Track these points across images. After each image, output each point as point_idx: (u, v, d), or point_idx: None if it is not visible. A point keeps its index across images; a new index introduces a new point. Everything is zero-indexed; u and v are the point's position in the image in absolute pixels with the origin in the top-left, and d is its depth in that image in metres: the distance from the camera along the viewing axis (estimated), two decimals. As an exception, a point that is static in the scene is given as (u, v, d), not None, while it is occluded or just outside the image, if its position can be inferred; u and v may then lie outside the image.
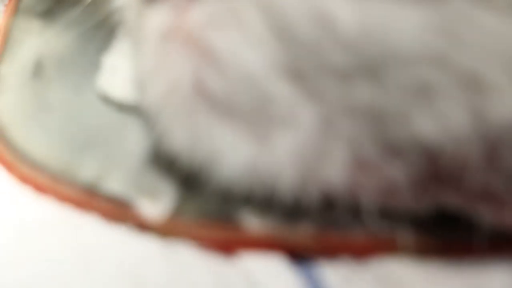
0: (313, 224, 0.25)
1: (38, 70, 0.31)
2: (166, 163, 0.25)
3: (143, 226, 0.26)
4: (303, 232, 0.25)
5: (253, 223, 0.25)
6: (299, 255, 0.25)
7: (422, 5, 0.22)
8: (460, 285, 0.24)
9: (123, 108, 0.29)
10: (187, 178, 0.25)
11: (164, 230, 0.26)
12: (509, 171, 0.22)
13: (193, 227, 0.25)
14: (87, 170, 0.27)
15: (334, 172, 0.23)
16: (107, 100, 0.30)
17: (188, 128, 0.24)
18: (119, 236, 0.26)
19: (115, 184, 0.27)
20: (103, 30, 0.31)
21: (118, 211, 0.26)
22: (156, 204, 0.26)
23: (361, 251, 0.25)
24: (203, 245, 0.25)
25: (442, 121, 0.22)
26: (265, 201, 0.24)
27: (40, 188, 0.27)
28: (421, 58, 0.22)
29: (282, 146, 0.23)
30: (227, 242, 0.25)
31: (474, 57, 0.22)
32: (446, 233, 0.24)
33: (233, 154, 0.24)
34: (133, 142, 0.27)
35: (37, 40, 0.32)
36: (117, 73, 0.30)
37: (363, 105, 0.22)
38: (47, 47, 0.32)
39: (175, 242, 0.25)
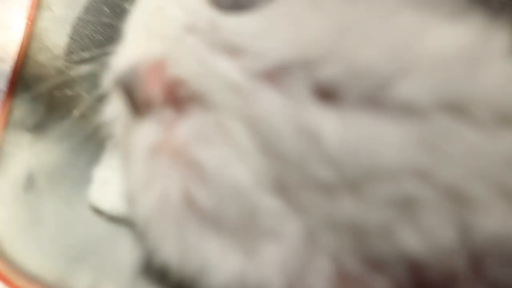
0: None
1: (30, 183, 0.32)
2: (157, 274, 0.26)
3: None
4: None
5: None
6: None
7: (404, 121, 0.23)
8: None
9: (113, 219, 0.30)
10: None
11: None
12: (496, 281, 0.23)
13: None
14: (80, 282, 0.28)
15: (318, 284, 0.23)
16: (98, 212, 0.30)
17: (178, 241, 0.25)
18: None
19: (108, 294, 0.27)
20: (92, 144, 0.32)
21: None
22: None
23: None
24: None
25: (427, 235, 0.23)
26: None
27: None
28: (404, 173, 0.23)
29: (268, 259, 0.24)
30: None
31: (458, 172, 0.23)
32: None
33: (221, 266, 0.24)
34: (125, 253, 0.28)
35: (28, 154, 0.33)
36: (107, 186, 0.31)
37: (346, 219, 0.23)
38: (38, 161, 0.32)
39: None
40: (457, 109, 0.24)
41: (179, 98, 0.26)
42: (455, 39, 0.25)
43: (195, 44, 0.26)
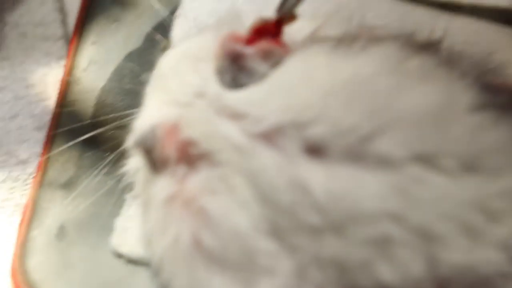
0: None
1: (61, 233, 0.37)
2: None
3: None
4: None
5: None
6: None
7: (381, 172, 0.27)
8: None
9: (132, 261, 0.34)
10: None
11: None
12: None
13: None
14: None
15: (308, 312, 0.27)
16: (119, 256, 0.35)
17: (188, 277, 0.29)
18: None
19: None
20: (114, 197, 0.36)
21: None
22: None
23: None
24: None
25: (401, 268, 0.26)
26: None
27: None
28: (381, 216, 0.27)
29: (264, 292, 0.28)
30: None
31: (427, 214, 0.26)
32: None
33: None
34: (142, 289, 0.32)
35: (60, 208, 0.38)
36: (127, 232, 0.36)
37: (331, 256, 0.27)
38: (68, 213, 0.37)
39: None
40: (427, 160, 0.27)
41: (190, 156, 0.30)
42: (426, 98, 0.28)
43: (204, 108, 0.31)
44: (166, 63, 0.34)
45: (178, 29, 0.42)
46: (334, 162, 0.27)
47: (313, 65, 0.30)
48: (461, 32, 0.38)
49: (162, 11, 0.43)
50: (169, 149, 0.30)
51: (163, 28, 0.43)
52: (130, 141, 0.33)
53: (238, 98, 0.30)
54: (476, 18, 0.41)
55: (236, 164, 0.29)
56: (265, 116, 0.29)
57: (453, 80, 0.29)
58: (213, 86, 0.31)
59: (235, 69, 0.32)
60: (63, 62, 0.45)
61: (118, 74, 0.41)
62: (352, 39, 0.31)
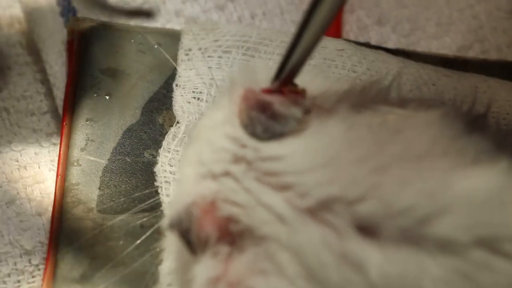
0: None
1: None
2: None
3: None
4: None
5: None
6: None
7: (442, 256, 0.28)
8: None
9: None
10: None
11: None
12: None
13: None
14: None
15: None
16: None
17: None
18: None
19: None
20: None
21: None
22: None
23: None
24: None
25: None
26: None
27: None
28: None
29: None
30: None
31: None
32: None
33: None
34: None
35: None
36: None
37: None
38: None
39: None
40: (490, 244, 0.28)
41: (231, 234, 0.30)
42: (483, 181, 0.29)
43: (243, 176, 0.31)
44: (193, 140, 0.34)
45: (179, 101, 0.42)
46: (389, 243, 0.28)
47: (356, 134, 0.31)
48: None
49: (156, 81, 0.43)
50: (208, 229, 0.30)
51: (159, 99, 0.43)
52: (164, 223, 0.33)
53: (280, 161, 0.30)
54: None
55: (282, 238, 0.29)
56: (311, 189, 0.29)
57: (507, 160, 0.30)
58: (248, 144, 0.31)
59: (266, 118, 0.32)
60: (53, 139, 0.44)
61: (119, 152, 0.41)
62: (388, 106, 0.32)
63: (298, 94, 0.32)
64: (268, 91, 0.32)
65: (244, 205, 0.30)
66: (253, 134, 0.31)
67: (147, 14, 0.33)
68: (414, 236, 0.28)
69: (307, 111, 0.32)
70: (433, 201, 0.28)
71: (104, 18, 0.48)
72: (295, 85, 0.33)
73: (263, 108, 0.32)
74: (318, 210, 0.29)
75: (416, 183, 0.29)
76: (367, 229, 0.28)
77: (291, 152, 0.30)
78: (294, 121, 0.31)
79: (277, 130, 0.31)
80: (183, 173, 0.33)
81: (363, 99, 0.33)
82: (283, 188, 0.29)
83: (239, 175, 0.31)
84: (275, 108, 0.32)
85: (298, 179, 0.29)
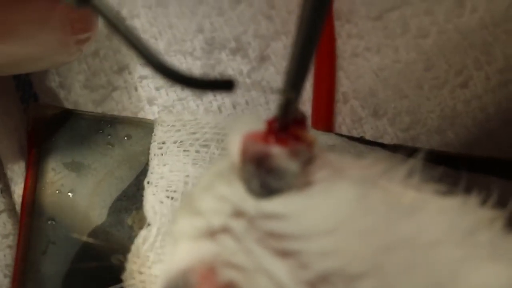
0: None
1: None
2: None
3: None
4: None
5: None
6: None
7: None
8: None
9: None
10: None
11: None
12: None
13: None
14: None
15: None
16: None
17: None
18: None
19: None
20: None
21: None
22: None
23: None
24: None
25: None
26: None
27: None
28: None
29: None
30: None
31: None
32: None
33: None
34: None
35: None
36: None
37: None
38: None
39: None
40: None
41: None
42: (497, 277, 0.32)
43: (244, 235, 0.33)
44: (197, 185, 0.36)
45: (150, 201, 0.44)
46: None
47: (369, 205, 0.33)
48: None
49: (126, 178, 0.46)
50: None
51: (128, 198, 0.46)
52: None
53: (281, 215, 0.32)
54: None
55: None
56: (314, 259, 0.31)
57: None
58: (250, 199, 0.33)
59: (263, 172, 0.34)
60: (9, 241, 0.47)
61: (84, 256, 0.44)
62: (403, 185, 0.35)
63: (300, 140, 0.35)
64: (269, 134, 0.35)
65: (244, 269, 0.32)
66: (249, 190, 0.34)
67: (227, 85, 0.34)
68: None
69: (308, 161, 0.34)
70: None
71: (69, 105, 0.51)
72: (300, 122, 0.36)
73: (261, 161, 0.34)
74: (318, 283, 0.31)
75: (422, 271, 0.32)
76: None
77: (295, 211, 0.33)
78: (292, 176, 0.34)
79: (274, 186, 0.34)
80: (179, 226, 0.35)
81: (374, 171, 0.36)
82: (285, 254, 0.32)
83: (239, 234, 0.33)
84: (273, 162, 0.34)
85: (301, 246, 0.32)
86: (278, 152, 0.34)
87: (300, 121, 0.35)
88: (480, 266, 0.32)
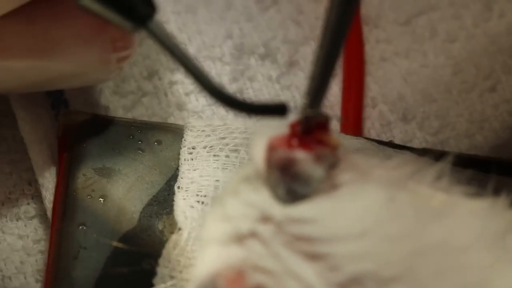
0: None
1: None
2: None
3: None
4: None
5: None
6: None
7: None
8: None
9: None
10: None
11: None
12: None
13: None
14: None
15: None
16: None
17: None
18: None
19: None
20: None
21: None
22: None
23: None
24: None
25: None
26: None
27: None
28: None
29: None
30: None
31: None
32: None
33: None
34: None
35: None
36: None
37: None
38: None
39: None
40: None
41: None
42: None
43: (272, 239, 0.34)
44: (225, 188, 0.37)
45: (181, 205, 0.45)
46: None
47: (398, 208, 0.34)
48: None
49: (156, 183, 0.47)
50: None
51: (159, 203, 0.46)
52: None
53: (309, 219, 0.33)
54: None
55: None
56: (344, 261, 0.32)
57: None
58: (276, 205, 0.34)
59: (288, 179, 0.35)
60: (41, 247, 0.47)
61: (115, 261, 0.44)
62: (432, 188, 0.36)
63: (323, 143, 0.35)
64: (292, 138, 0.35)
65: (273, 273, 0.33)
66: (276, 197, 0.35)
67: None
68: None
69: (333, 165, 0.35)
70: None
71: (99, 111, 0.52)
72: (324, 125, 0.36)
73: (286, 167, 0.35)
74: (349, 285, 0.32)
75: (453, 275, 0.32)
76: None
77: (323, 215, 0.34)
78: (318, 181, 0.34)
79: (300, 192, 0.34)
80: (208, 231, 0.36)
81: (402, 173, 0.36)
82: (314, 257, 0.33)
83: (267, 238, 0.34)
84: (298, 168, 0.34)
85: (331, 249, 0.33)
86: (302, 157, 0.34)
87: (323, 124, 0.35)
88: (510, 270, 0.33)
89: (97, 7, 0.36)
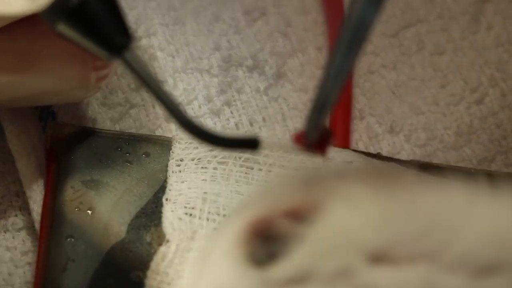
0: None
1: None
2: None
3: None
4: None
5: None
6: None
7: None
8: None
9: None
10: None
11: None
12: None
13: None
14: None
15: None
16: None
17: None
18: None
19: None
20: None
21: None
22: None
23: None
24: None
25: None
26: None
27: None
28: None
29: None
30: None
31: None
32: None
33: None
34: None
35: None
36: None
37: None
38: None
39: None
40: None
41: None
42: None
43: None
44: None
45: (169, 217, 0.45)
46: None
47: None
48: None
49: (144, 195, 0.47)
50: None
51: (147, 215, 0.46)
52: None
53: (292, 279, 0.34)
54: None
55: None
56: None
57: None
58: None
59: (268, 243, 0.36)
60: (28, 259, 0.47)
61: (103, 273, 0.44)
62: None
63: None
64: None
65: None
66: (257, 264, 0.35)
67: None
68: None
69: (313, 221, 0.36)
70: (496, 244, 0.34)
71: (86, 123, 0.52)
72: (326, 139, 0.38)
73: (265, 233, 0.36)
74: None
75: (471, 228, 0.36)
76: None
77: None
78: (298, 239, 0.35)
79: (282, 251, 0.35)
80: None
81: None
82: None
83: None
84: (277, 229, 0.36)
85: None
86: (279, 219, 0.36)
87: (325, 138, 0.36)
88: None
89: (74, 35, 0.36)
